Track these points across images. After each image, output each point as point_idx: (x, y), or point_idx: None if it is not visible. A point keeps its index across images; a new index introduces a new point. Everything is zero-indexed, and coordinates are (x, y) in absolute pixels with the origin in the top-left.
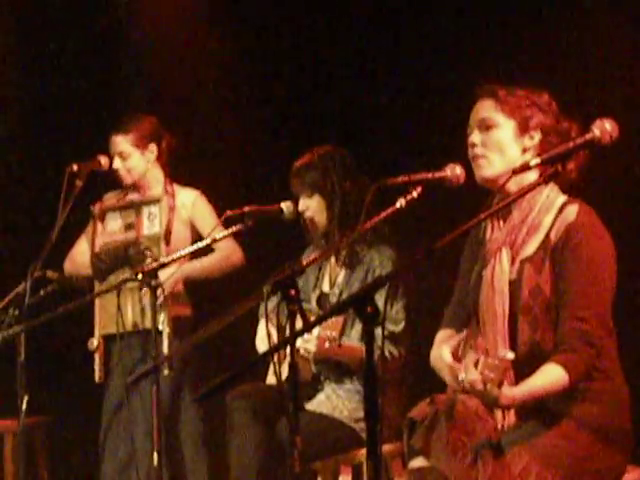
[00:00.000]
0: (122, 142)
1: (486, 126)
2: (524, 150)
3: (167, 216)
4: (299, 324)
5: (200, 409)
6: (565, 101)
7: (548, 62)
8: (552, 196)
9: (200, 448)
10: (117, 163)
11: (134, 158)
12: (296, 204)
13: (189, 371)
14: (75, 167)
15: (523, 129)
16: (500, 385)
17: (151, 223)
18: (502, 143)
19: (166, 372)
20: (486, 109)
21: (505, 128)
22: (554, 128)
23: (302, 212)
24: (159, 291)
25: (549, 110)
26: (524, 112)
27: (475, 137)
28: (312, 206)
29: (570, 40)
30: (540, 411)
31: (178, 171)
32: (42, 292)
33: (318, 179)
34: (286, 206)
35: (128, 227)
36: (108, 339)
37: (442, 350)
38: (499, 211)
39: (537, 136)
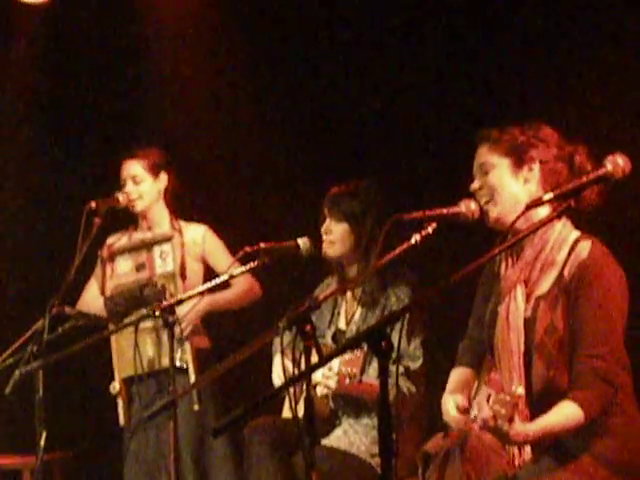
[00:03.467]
0: (136, 166)
1: (484, 171)
2: (525, 181)
3: (180, 253)
4: (315, 359)
5: (230, 441)
6: (578, 136)
7: (561, 97)
8: (565, 232)
9: (231, 477)
10: (130, 186)
11: (146, 184)
12: (312, 240)
13: (213, 404)
14: (93, 204)
15: (519, 164)
16: (511, 420)
17: (164, 262)
18: (500, 182)
19: (196, 407)
20: (482, 154)
21: (500, 167)
22: (556, 155)
23: (323, 233)
24: (177, 327)
25: (548, 139)
26: (518, 148)
27: (475, 184)
28: (337, 232)
29: (582, 75)
30: (556, 447)
31: (187, 206)
32: (60, 329)
33: (355, 209)
34: (302, 242)
35: (139, 267)
36: (129, 381)
37: (449, 404)
38: (512, 247)
39: (536, 167)
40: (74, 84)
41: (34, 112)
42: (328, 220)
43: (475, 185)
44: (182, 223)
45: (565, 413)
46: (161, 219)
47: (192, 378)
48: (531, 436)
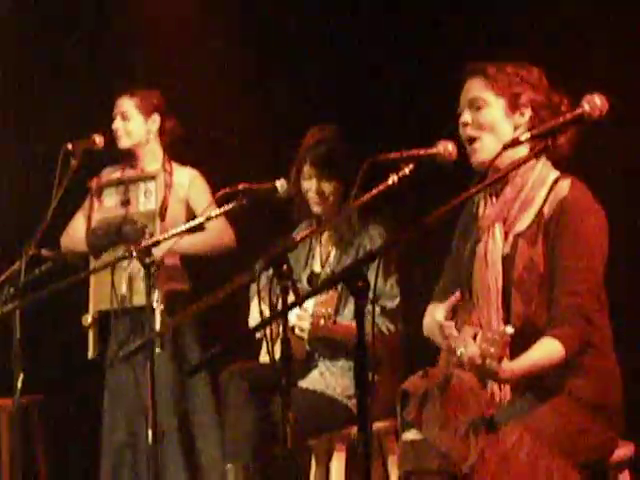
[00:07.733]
0: (126, 103)
1: (477, 106)
2: (516, 128)
3: (163, 193)
4: (292, 300)
5: (210, 379)
6: (556, 76)
7: (540, 37)
8: (545, 171)
9: (213, 418)
10: (117, 123)
11: (135, 122)
12: (289, 182)
13: (195, 346)
14: (70, 146)
15: (513, 107)
16: (500, 360)
17: (147, 199)
18: (494, 122)
19: (158, 350)
20: (476, 88)
21: (495, 107)
22: (544, 103)
23: (310, 192)
24: (153, 268)
25: (539, 85)
26: (514, 89)
27: (466, 117)
28: (328, 191)
29: (562, 15)
30: (534, 386)
31: (179, 152)
32: (37, 270)
33: (344, 168)
34: (280, 184)
35: (124, 203)
36: (102, 315)
37: (436, 310)
38: (491, 186)
39: (528, 113)
40: (62, 20)
41: (20, 48)
42: (317, 181)
43: (467, 118)
44: (174, 165)
45: (547, 350)
46: (153, 160)
47: (158, 321)
48: (517, 373)
